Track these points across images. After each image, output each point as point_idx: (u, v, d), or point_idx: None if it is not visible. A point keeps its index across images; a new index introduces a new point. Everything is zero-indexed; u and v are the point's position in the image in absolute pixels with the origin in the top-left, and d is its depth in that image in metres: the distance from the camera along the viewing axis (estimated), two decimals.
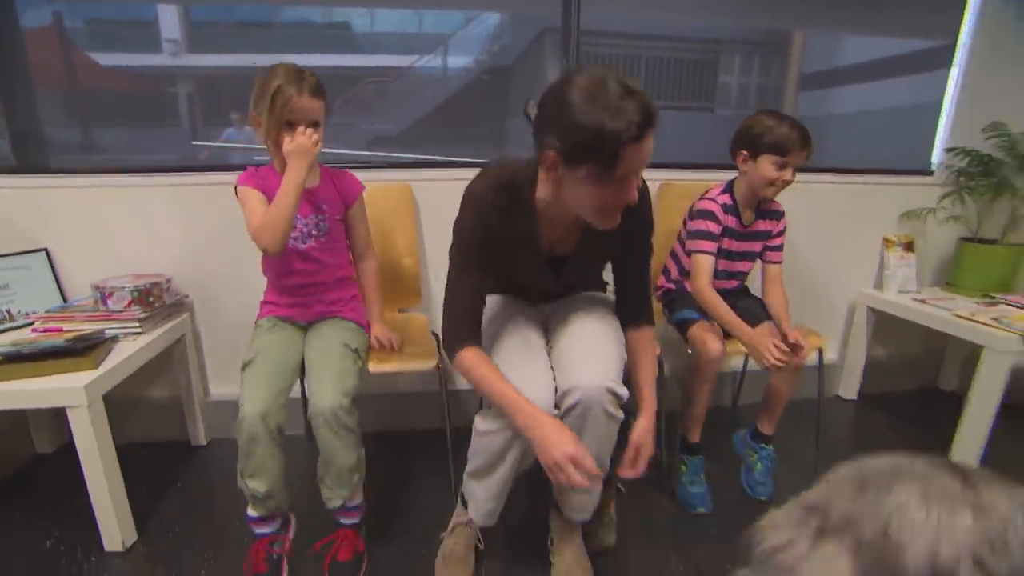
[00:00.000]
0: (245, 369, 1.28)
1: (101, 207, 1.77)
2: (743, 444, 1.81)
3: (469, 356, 1.12)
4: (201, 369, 1.93)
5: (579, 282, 1.38)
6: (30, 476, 1.76)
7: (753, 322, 1.60)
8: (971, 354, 2.18)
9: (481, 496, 1.26)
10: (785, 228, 1.72)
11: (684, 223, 1.75)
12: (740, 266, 1.73)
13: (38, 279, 1.72)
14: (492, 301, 1.35)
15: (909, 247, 2.22)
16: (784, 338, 1.51)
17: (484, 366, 1.11)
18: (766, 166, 1.54)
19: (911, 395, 2.45)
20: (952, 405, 1.91)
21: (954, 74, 2.27)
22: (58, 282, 1.76)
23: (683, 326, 1.65)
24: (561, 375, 1.17)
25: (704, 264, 1.62)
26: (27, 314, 1.65)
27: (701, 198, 1.67)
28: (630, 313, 1.29)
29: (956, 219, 2.20)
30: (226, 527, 1.51)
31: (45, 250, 1.74)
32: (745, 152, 1.57)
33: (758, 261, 1.76)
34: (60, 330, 1.52)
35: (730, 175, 1.69)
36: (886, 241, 2.23)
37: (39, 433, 1.85)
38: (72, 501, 1.60)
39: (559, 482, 1.02)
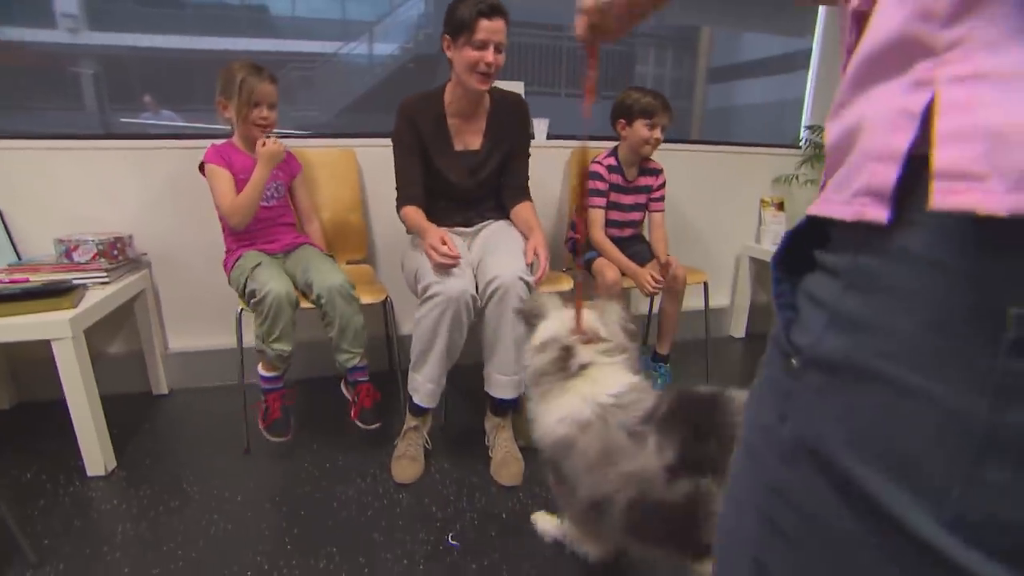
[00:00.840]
0: (255, 270, 1.57)
1: (54, 171, 1.86)
2: (646, 365, 2.17)
3: (410, 210, 1.66)
4: (160, 323, 2.06)
5: (489, 178, 1.76)
6: None
7: (642, 262, 2.00)
8: None
9: (421, 380, 1.55)
10: (664, 183, 2.11)
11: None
12: (632, 215, 2.11)
13: None
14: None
15: (780, 207, 2.68)
16: (659, 264, 1.95)
17: (417, 214, 1.64)
18: (640, 128, 1.93)
19: None
20: None
21: (812, 68, 2.75)
22: (12, 241, 1.84)
23: (588, 264, 2.02)
24: (482, 274, 1.55)
25: (596, 216, 2.02)
26: None
27: (591, 161, 2.04)
28: (513, 195, 1.77)
29: (814, 183, 2.68)
30: (197, 455, 1.69)
31: None
32: (623, 120, 1.97)
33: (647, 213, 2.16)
34: (27, 280, 1.62)
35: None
36: (762, 202, 2.68)
37: None
38: (42, 444, 1.71)
39: (434, 261, 1.48)
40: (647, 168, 2.09)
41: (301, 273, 1.65)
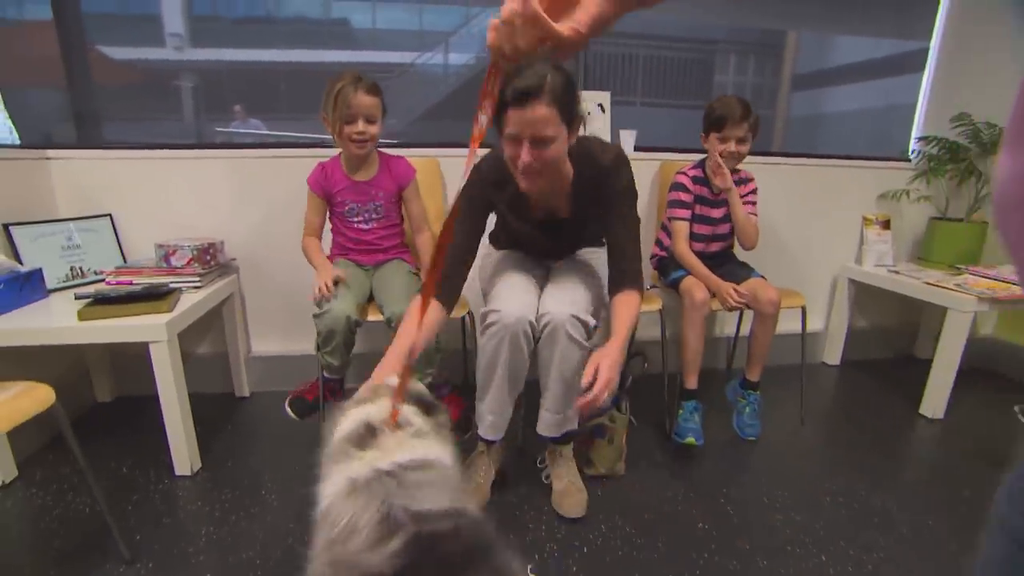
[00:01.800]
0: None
1: (157, 178, 1.96)
2: (733, 393, 2.02)
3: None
4: (245, 327, 2.13)
5: (580, 243, 1.61)
6: (94, 420, 1.95)
7: (736, 282, 1.84)
8: (943, 323, 2.41)
9: (484, 410, 1.47)
10: (755, 190, 1.97)
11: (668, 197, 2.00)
12: (722, 228, 1.98)
13: (103, 240, 1.91)
14: (504, 253, 1.64)
15: (886, 225, 2.44)
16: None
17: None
18: (713, 141, 1.85)
19: (889, 362, 2.67)
20: (925, 371, 2.12)
21: (928, 71, 2.50)
22: (120, 244, 1.95)
23: (675, 283, 1.89)
24: (540, 308, 1.43)
25: (680, 229, 1.91)
26: (96, 271, 1.84)
27: (676, 173, 1.95)
28: (615, 277, 1.39)
29: (927, 199, 2.43)
30: (277, 457, 1.71)
31: (109, 215, 1.93)
32: (703, 133, 1.90)
33: None
34: (131, 282, 1.70)
35: None
36: (865, 219, 2.45)
37: (99, 383, 2.04)
38: (137, 438, 1.80)
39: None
40: (736, 179, 1.95)
41: (379, 290, 1.68)
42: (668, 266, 1.98)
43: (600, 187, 1.37)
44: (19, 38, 2.07)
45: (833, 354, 2.58)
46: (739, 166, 1.93)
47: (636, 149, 2.26)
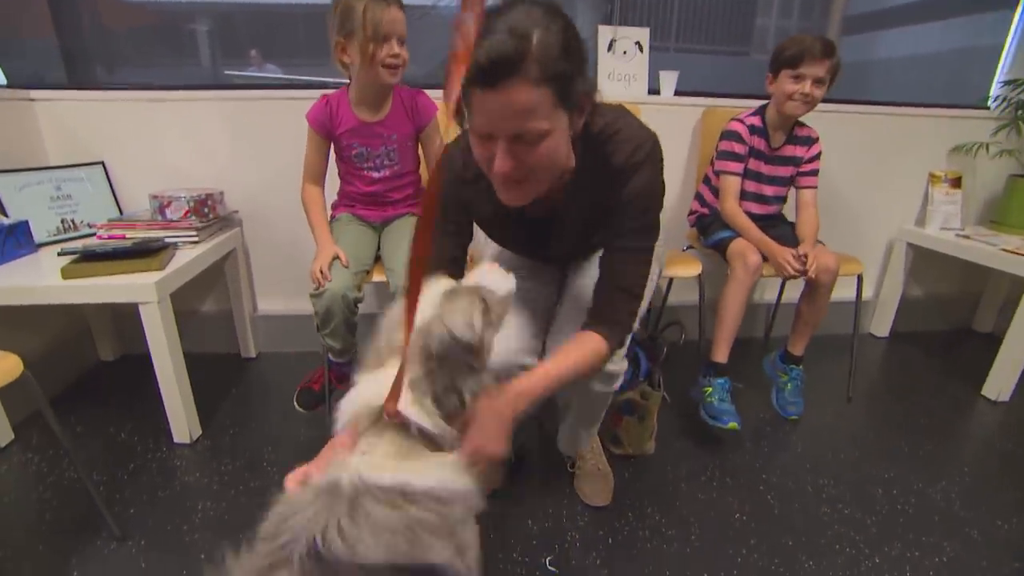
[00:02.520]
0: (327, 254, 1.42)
1: (152, 122, 1.80)
2: (772, 367, 1.84)
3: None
4: (250, 284, 2.00)
5: (590, 247, 1.16)
6: (96, 380, 1.87)
7: (792, 247, 1.62)
8: (1010, 296, 2.16)
9: None
10: (819, 154, 1.72)
11: (716, 146, 1.75)
12: (769, 190, 1.74)
13: (97, 191, 1.77)
14: (510, 258, 1.21)
15: (956, 183, 2.17)
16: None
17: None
18: (784, 80, 1.59)
19: (944, 335, 2.45)
20: (985, 346, 1.92)
21: (1021, 10, 2.16)
22: (114, 194, 1.81)
23: (721, 245, 1.68)
24: (551, 337, 1.13)
25: (730, 185, 1.68)
26: (89, 223, 1.72)
27: (731, 120, 1.70)
28: (593, 311, 0.96)
29: (1010, 153, 2.14)
30: (282, 426, 1.61)
31: (102, 163, 1.79)
32: (770, 74, 1.63)
33: (793, 189, 1.78)
34: (123, 237, 1.58)
35: None
36: (932, 177, 2.18)
37: (101, 341, 1.96)
38: (139, 401, 1.71)
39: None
40: (798, 136, 1.71)
41: (387, 254, 1.50)
42: (711, 225, 1.77)
43: (604, 191, 0.92)
44: None
45: (882, 325, 2.37)
46: (805, 119, 1.68)
47: (676, 94, 2.02)
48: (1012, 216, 2.14)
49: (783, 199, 1.80)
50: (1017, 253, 1.82)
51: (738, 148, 1.68)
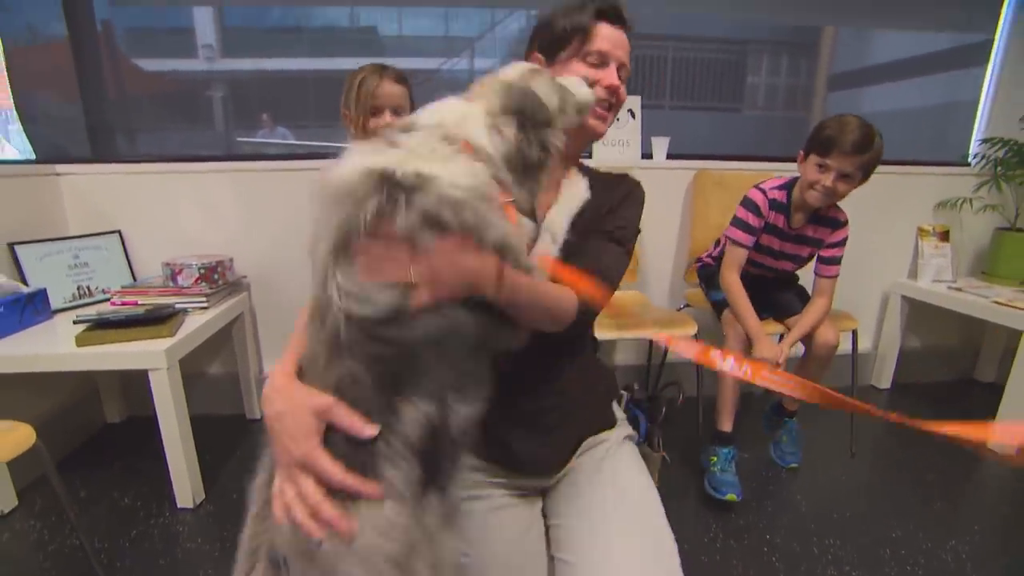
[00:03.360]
0: None
1: (167, 193, 1.90)
2: (768, 419, 1.84)
3: None
4: (256, 347, 2.05)
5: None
6: (102, 442, 1.89)
7: (783, 315, 1.68)
8: (1009, 345, 2.18)
9: None
10: (845, 240, 1.61)
11: (736, 211, 1.67)
12: (783, 264, 1.68)
13: (112, 258, 1.85)
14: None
15: (944, 236, 2.23)
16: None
17: None
18: (811, 166, 1.48)
19: (946, 386, 2.45)
20: (988, 395, 1.92)
21: (992, 67, 2.28)
22: (129, 261, 1.89)
23: (719, 307, 1.69)
24: None
25: (735, 256, 1.59)
26: (104, 290, 1.78)
27: (755, 186, 1.60)
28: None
29: (993, 208, 2.21)
30: None
31: (118, 232, 1.88)
32: (802, 152, 1.53)
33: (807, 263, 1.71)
34: (136, 303, 1.64)
35: (763, 168, 1.74)
36: (920, 231, 2.25)
37: (109, 404, 1.99)
38: (144, 464, 1.72)
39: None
40: (825, 216, 1.59)
41: None
42: (715, 279, 1.72)
43: (606, 192, 0.93)
44: (39, 55, 2.06)
45: (883, 377, 2.37)
46: (840, 203, 1.58)
47: (669, 157, 2.12)
48: (1002, 268, 2.18)
49: (792, 274, 1.76)
50: (1009, 305, 1.85)
51: (753, 220, 1.57)
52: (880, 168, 2.19)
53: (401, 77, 1.41)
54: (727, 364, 0.74)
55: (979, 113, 2.32)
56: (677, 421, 1.90)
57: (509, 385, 0.74)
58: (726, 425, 1.62)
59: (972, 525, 1.51)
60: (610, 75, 0.89)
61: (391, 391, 0.58)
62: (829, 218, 1.60)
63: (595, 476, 0.94)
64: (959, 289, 2.08)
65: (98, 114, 2.06)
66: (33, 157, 1.95)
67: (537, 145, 0.67)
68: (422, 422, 0.59)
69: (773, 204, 1.57)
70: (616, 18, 0.90)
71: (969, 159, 2.30)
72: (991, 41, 2.26)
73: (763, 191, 1.57)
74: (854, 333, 1.78)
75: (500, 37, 2.47)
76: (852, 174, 1.43)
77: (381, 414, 0.58)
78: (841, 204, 1.60)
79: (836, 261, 1.62)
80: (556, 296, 0.76)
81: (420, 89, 2.58)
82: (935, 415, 2.16)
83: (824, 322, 1.62)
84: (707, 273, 1.81)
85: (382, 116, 1.36)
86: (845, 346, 1.84)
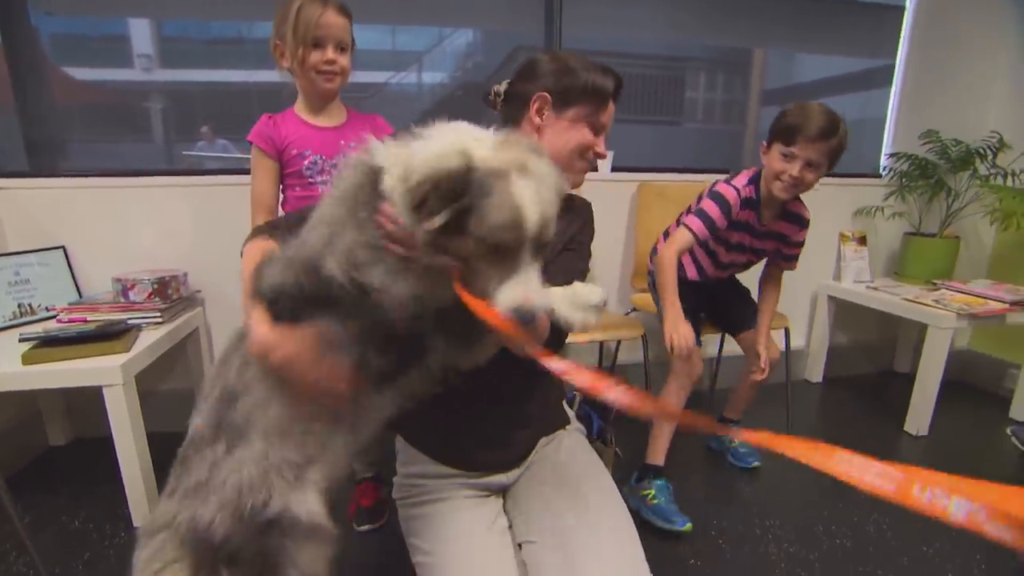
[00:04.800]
0: None
1: (113, 207, 1.86)
2: (716, 437, 1.95)
3: None
4: (212, 362, 2.02)
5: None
6: (46, 466, 1.81)
7: (737, 327, 1.73)
8: (920, 337, 2.42)
9: None
10: (804, 241, 1.62)
11: (697, 199, 1.60)
12: (739, 257, 1.66)
13: (56, 275, 1.79)
14: (439, 516, 0.97)
15: (862, 241, 2.46)
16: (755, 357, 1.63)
17: None
18: (774, 156, 1.41)
19: (870, 377, 2.68)
20: (905, 385, 2.12)
21: (894, 89, 2.55)
22: (74, 278, 1.83)
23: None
24: None
25: (682, 239, 1.48)
26: (47, 307, 1.72)
27: (725, 181, 1.52)
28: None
29: (901, 215, 2.46)
30: None
31: (63, 247, 1.82)
32: (764, 143, 1.47)
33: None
34: (85, 320, 1.60)
35: (703, 179, 1.85)
36: (842, 236, 2.47)
37: (53, 426, 1.91)
38: (93, 485, 1.67)
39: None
40: (790, 212, 1.56)
41: None
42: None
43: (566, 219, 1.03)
44: None
45: (815, 371, 2.57)
46: (802, 196, 1.54)
47: (614, 170, 2.24)
48: (910, 268, 2.42)
49: (742, 267, 1.74)
50: (916, 302, 2.06)
51: (719, 219, 1.47)
52: None
53: (345, 8, 1.26)
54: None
55: (886, 129, 2.58)
56: (627, 420, 2.00)
57: (467, 394, 0.83)
58: (659, 458, 1.59)
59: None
60: (601, 144, 1.01)
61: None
62: (797, 215, 1.57)
63: (551, 468, 1.03)
64: (876, 288, 2.30)
65: (37, 126, 1.99)
66: None
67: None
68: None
69: (746, 203, 1.50)
70: (615, 97, 1.00)
71: (880, 171, 2.55)
72: (892, 66, 2.53)
73: (736, 189, 1.48)
74: (786, 331, 1.94)
75: (448, 51, 2.52)
76: (818, 162, 1.38)
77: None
78: None
79: (796, 258, 1.66)
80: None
81: (371, 101, 2.61)
82: (861, 405, 2.36)
83: (774, 347, 1.69)
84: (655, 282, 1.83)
85: (324, 50, 1.22)
86: (779, 343, 2.01)
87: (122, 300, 1.66)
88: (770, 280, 1.73)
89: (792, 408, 2.11)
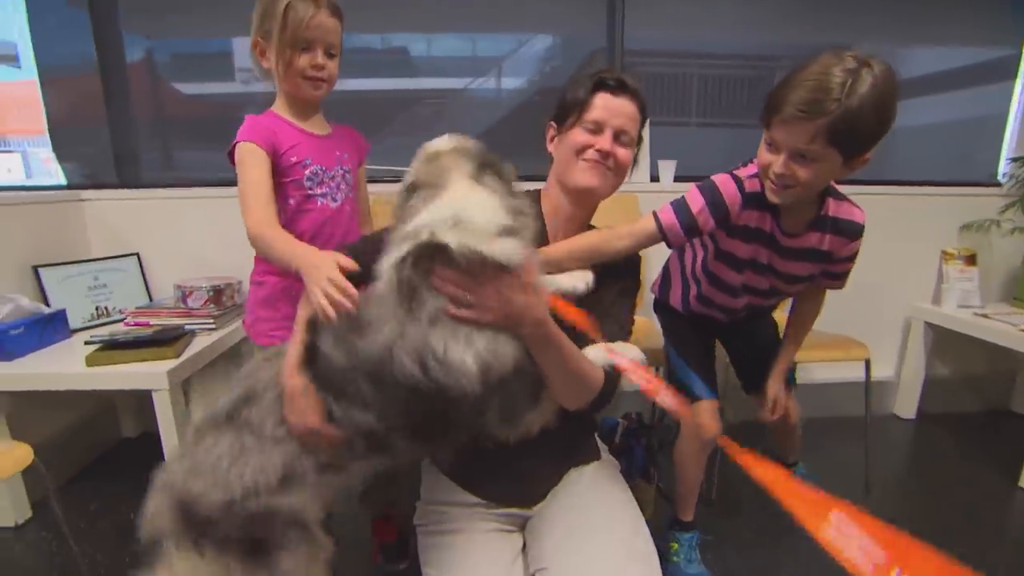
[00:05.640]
0: None
1: (181, 216, 1.98)
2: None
3: None
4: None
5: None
6: (117, 456, 1.96)
7: (755, 377, 1.35)
8: None
9: None
10: (856, 253, 1.16)
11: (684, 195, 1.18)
12: (756, 280, 1.19)
13: (130, 280, 1.93)
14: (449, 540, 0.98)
15: (970, 260, 2.13)
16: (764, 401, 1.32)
17: None
18: (761, 145, 1.00)
19: (979, 416, 2.32)
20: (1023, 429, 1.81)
21: (1020, 82, 2.19)
22: (146, 282, 1.97)
23: (676, 373, 1.36)
24: None
25: (641, 230, 1.07)
26: (120, 310, 1.86)
27: (729, 172, 1.10)
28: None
29: (1022, 231, 2.10)
30: None
31: (136, 254, 1.96)
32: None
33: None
34: (148, 324, 1.70)
35: None
36: (945, 254, 2.15)
37: (126, 419, 2.06)
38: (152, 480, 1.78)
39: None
40: (831, 219, 1.10)
41: None
42: (675, 333, 1.42)
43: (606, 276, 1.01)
44: (71, 85, 2.19)
45: (907, 406, 2.26)
46: (846, 189, 1.11)
47: (676, 179, 2.09)
48: None
49: (774, 307, 1.39)
50: None
51: (702, 215, 1.06)
52: (903, 189, 2.13)
53: (338, 10, 1.13)
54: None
55: (1008, 129, 2.22)
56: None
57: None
58: (687, 515, 1.38)
59: (1005, 571, 1.41)
60: (603, 140, 0.99)
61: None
62: (837, 221, 1.10)
63: (574, 499, 1.02)
64: (986, 316, 1.98)
65: (124, 141, 2.16)
66: (64, 183, 2.06)
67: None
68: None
69: (753, 199, 1.06)
70: (618, 88, 0.99)
71: (998, 178, 2.20)
72: (1018, 56, 2.17)
73: (737, 180, 1.07)
74: (867, 363, 1.70)
75: (527, 56, 2.53)
76: (808, 151, 0.91)
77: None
78: None
79: (844, 276, 1.21)
80: (586, 367, 0.88)
81: (449, 105, 2.66)
82: (963, 450, 2.05)
83: (791, 400, 1.38)
84: (666, 317, 1.47)
85: (313, 53, 1.10)
86: (858, 374, 1.77)
87: (182, 306, 1.75)
88: (806, 294, 1.28)
89: (874, 446, 1.86)
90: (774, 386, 1.31)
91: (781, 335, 1.36)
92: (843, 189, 1.13)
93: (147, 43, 2.19)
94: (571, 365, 0.85)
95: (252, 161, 1.10)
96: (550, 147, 1.08)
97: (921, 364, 2.20)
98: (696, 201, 1.07)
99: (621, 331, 1.01)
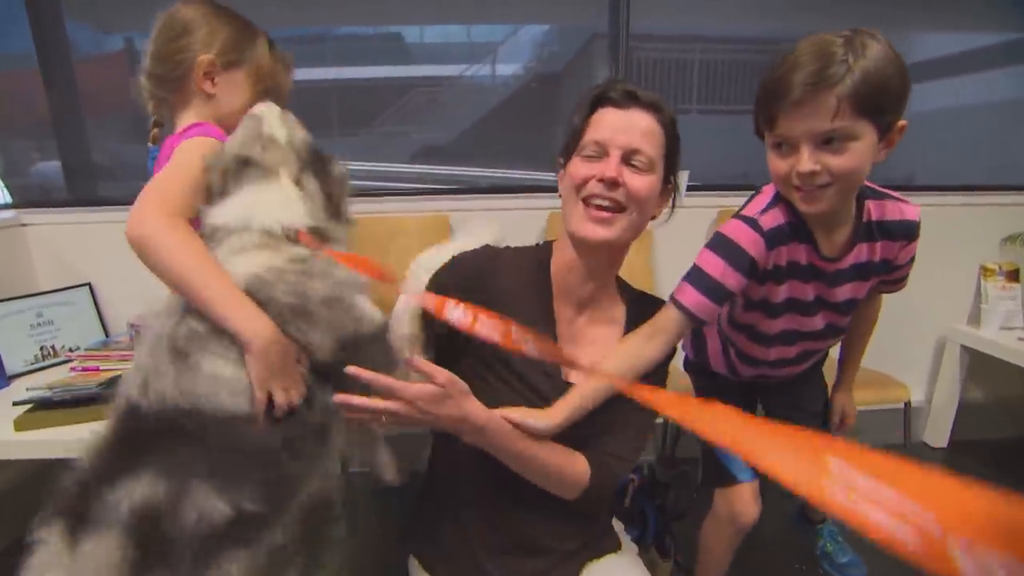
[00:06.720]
0: None
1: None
2: (798, 524, 1.56)
3: None
4: None
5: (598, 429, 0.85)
6: None
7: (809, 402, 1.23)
8: None
9: None
10: (915, 255, 0.98)
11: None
12: (807, 321, 1.00)
13: (81, 314, 1.74)
14: None
15: (1013, 276, 1.94)
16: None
17: None
18: (770, 154, 0.86)
19: (1014, 445, 2.14)
20: None
21: None
22: (100, 316, 1.77)
23: (712, 448, 1.15)
24: None
25: (669, 329, 0.88)
26: (69, 350, 1.66)
27: (737, 216, 0.94)
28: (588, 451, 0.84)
29: None
30: None
31: (88, 284, 1.76)
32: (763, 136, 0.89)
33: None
34: (97, 369, 1.50)
35: None
36: (984, 270, 1.96)
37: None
38: None
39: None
40: (879, 223, 0.93)
41: None
42: (712, 388, 1.23)
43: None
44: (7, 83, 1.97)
45: (937, 434, 2.09)
46: (897, 206, 0.93)
47: (689, 189, 1.88)
48: None
49: (832, 343, 1.14)
50: None
51: (731, 279, 0.89)
52: (932, 196, 1.92)
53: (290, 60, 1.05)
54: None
55: None
56: (696, 501, 1.67)
57: (508, 519, 0.85)
58: None
59: None
60: (606, 166, 0.78)
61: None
62: (887, 224, 0.92)
63: None
64: None
65: (76, 153, 1.94)
66: (8, 200, 1.85)
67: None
68: None
69: (777, 236, 0.90)
70: (624, 100, 0.80)
71: None
72: None
73: (752, 221, 0.89)
74: (906, 407, 1.52)
75: (523, 42, 2.43)
76: (838, 131, 0.76)
77: None
78: None
79: (904, 279, 1.04)
80: (554, 462, 0.79)
81: (444, 93, 2.52)
82: (999, 476, 1.87)
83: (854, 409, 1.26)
84: (701, 382, 1.28)
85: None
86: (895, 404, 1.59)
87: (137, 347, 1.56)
88: (867, 310, 1.14)
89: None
90: (841, 399, 1.24)
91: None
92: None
93: (100, 35, 1.97)
94: (529, 459, 0.78)
95: (187, 176, 0.81)
96: (561, 186, 0.88)
97: (956, 390, 2.01)
98: (713, 264, 0.90)
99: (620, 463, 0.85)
